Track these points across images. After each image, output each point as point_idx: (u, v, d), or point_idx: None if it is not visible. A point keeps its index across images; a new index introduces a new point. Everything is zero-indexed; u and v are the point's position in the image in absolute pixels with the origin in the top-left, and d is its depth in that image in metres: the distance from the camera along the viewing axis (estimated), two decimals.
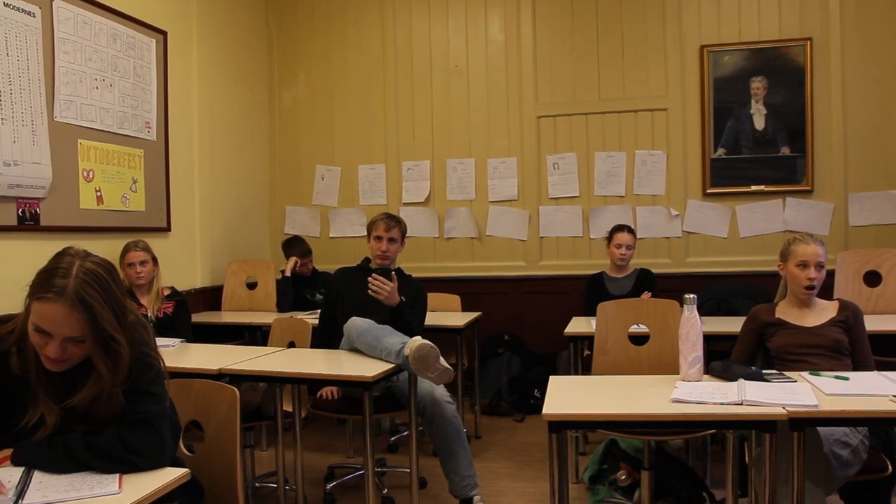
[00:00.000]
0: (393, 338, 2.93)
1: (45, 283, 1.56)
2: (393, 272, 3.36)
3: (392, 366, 2.81)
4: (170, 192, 4.69)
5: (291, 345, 3.61)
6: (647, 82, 5.21)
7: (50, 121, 3.74)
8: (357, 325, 3.11)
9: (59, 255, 1.64)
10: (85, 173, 3.98)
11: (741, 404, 1.98)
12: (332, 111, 5.85)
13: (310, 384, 3.28)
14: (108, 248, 4.02)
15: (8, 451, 1.62)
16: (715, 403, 2.00)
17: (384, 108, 5.72)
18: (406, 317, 3.42)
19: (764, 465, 2.04)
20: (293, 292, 4.87)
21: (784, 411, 1.93)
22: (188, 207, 4.91)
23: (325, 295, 3.76)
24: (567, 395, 2.35)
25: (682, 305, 2.42)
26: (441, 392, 3.25)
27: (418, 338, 2.80)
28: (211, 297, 5.08)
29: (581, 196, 5.35)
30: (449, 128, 5.59)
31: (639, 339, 3.23)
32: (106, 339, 1.56)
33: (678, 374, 2.45)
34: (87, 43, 4.01)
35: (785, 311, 2.92)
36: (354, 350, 3.15)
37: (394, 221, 3.65)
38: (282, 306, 4.82)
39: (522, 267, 5.44)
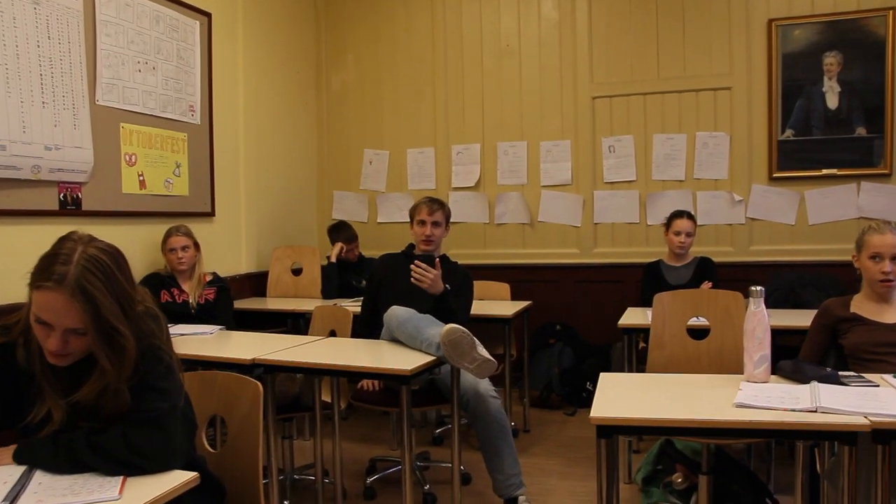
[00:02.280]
0: (434, 328, 2.78)
1: (45, 271, 1.44)
2: (437, 259, 3.20)
3: (432, 358, 2.65)
4: (214, 177, 4.61)
5: (332, 334, 3.49)
6: (710, 60, 4.92)
7: (92, 104, 3.68)
8: (397, 314, 2.97)
9: (62, 240, 1.52)
10: (127, 157, 3.92)
11: (815, 411, 1.76)
12: (380, 94, 5.71)
13: (345, 377, 3.15)
14: (150, 234, 3.98)
15: (9, 449, 1.51)
16: (785, 409, 1.78)
17: (434, 90, 5.55)
18: (450, 306, 3.26)
19: (840, 477, 1.82)
20: (338, 279, 4.76)
21: (866, 421, 1.70)
22: (233, 192, 4.84)
23: (368, 282, 3.64)
24: (618, 395, 2.15)
25: (746, 297, 2.20)
26: (485, 386, 3.08)
27: (452, 324, 2.63)
28: (256, 282, 5.01)
29: (638, 180, 5.10)
30: (500, 110, 5.39)
31: (698, 333, 3.02)
32: (109, 331, 1.44)
33: (742, 373, 2.24)
34: (130, 25, 3.94)
35: (861, 306, 2.66)
36: (395, 341, 3.01)
37: (437, 204, 3.50)
38: (327, 293, 4.71)
39: (576, 254, 5.23)
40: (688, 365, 2.95)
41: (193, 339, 3.21)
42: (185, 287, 3.84)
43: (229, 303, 3.98)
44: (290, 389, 3.22)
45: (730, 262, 4.72)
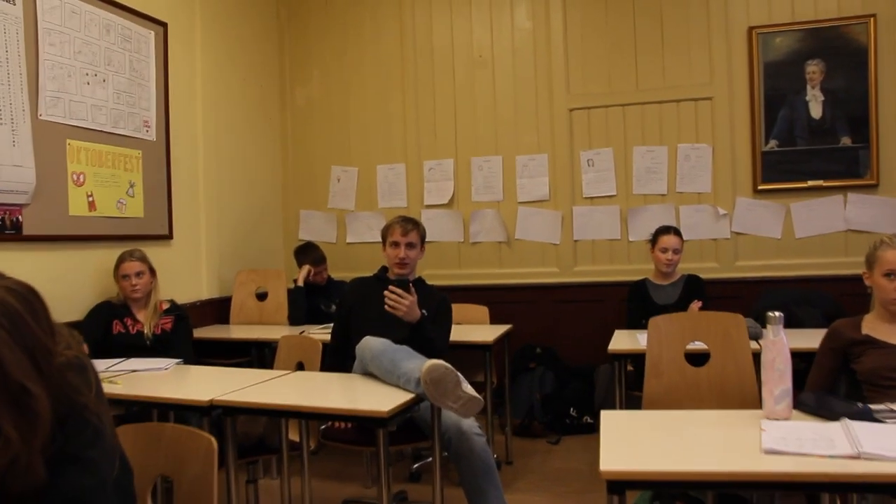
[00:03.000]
0: (412, 361, 2.52)
1: None
2: (411, 283, 2.94)
3: (412, 395, 2.39)
4: (171, 197, 4.32)
5: (300, 366, 3.22)
6: (690, 69, 4.75)
7: (34, 119, 3.39)
8: (371, 346, 2.70)
9: None
10: (75, 177, 3.62)
11: (858, 457, 1.53)
12: (347, 108, 5.46)
13: (315, 419, 2.87)
14: (102, 259, 3.68)
15: None
16: (822, 456, 1.56)
17: (403, 103, 5.32)
18: (428, 334, 3.01)
19: None
20: (306, 304, 4.49)
21: None
22: (192, 213, 4.54)
23: (338, 309, 3.37)
24: (625, 439, 1.92)
25: (749, 318, 1.99)
26: (469, 423, 2.83)
27: (433, 360, 2.38)
28: (218, 308, 4.70)
29: (618, 195, 4.90)
30: (473, 123, 5.17)
31: (696, 359, 2.80)
32: (14, 390, 1.15)
33: (751, 404, 2.02)
34: (77, 35, 3.65)
35: (874, 327, 2.45)
36: (368, 374, 2.74)
37: (411, 224, 3.25)
38: (294, 319, 4.43)
39: (555, 273, 5.00)
40: (688, 394, 2.73)
41: (147, 377, 2.91)
42: (139, 316, 3.54)
43: (188, 333, 3.69)
44: (253, 430, 2.92)
45: (715, 278, 4.53)
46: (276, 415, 2.50)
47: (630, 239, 4.87)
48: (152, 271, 3.60)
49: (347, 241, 5.43)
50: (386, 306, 2.92)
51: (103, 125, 3.80)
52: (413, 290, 2.95)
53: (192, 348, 3.69)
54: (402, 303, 2.90)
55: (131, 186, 4.00)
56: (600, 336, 4.80)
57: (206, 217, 4.64)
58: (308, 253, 4.67)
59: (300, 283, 4.53)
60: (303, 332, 4.05)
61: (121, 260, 3.56)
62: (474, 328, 4.06)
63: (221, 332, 4.30)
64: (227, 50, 4.92)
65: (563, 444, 4.44)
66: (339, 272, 4.96)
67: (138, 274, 3.51)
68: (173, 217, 4.33)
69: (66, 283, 3.55)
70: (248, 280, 4.70)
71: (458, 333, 3.65)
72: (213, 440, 1.63)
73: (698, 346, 2.78)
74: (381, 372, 2.61)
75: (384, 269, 3.37)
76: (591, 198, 4.95)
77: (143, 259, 3.58)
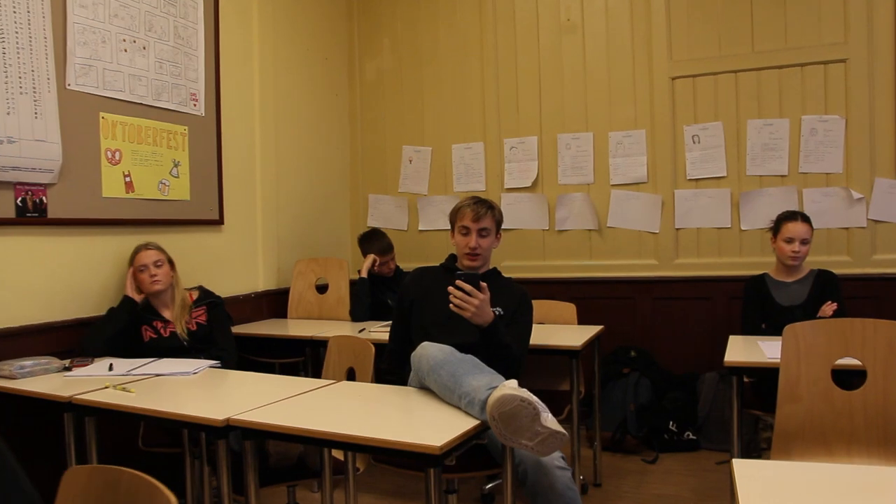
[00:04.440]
0: (478, 378, 1.98)
1: None
2: (481, 280, 2.40)
3: (475, 423, 1.86)
4: (222, 178, 3.91)
5: (350, 373, 2.74)
6: (819, 26, 4.01)
7: (60, 89, 3.02)
8: (428, 354, 2.18)
9: None
10: (109, 154, 3.24)
11: None
12: (421, 83, 4.96)
13: (347, 449, 2.37)
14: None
15: None
16: None
17: (482, 76, 4.77)
18: (502, 339, 2.47)
19: None
20: (370, 297, 4.02)
21: None
22: (247, 196, 4.13)
23: (397, 305, 2.87)
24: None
25: None
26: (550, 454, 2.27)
27: (508, 383, 1.84)
28: (276, 301, 4.29)
29: (729, 176, 4.21)
30: (561, 96, 4.58)
31: (847, 379, 2.17)
32: None
33: None
34: None
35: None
36: (427, 388, 2.22)
37: (484, 207, 2.72)
38: (356, 314, 3.97)
39: (654, 266, 4.36)
40: (836, 426, 2.11)
41: (168, 383, 2.48)
42: (166, 314, 3.13)
43: (226, 321, 3.27)
44: (291, 449, 2.46)
45: (847, 274, 3.80)
46: (303, 441, 2.02)
47: (742, 227, 4.18)
48: (171, 263, 3.18)
49: (419, 228, 4.94)
50: (451, 306, 2.40)
51: (143, 97, 3.41)
52: (484, 286, 2.41)
53: (233, 339, 3.28)
54: (470, 302, 2.37)
55: (176, 166, 3.61)
56: (705, 339, 4.20)
57: (263, 201, 4.23)
58: (373, 241, 4.20)
59: (364, 275, 4.06)
60: (363, 329, 3.59)
61: (135, 252, 3.15)
62: (559, 329, 3.49)
63: (274, 328, 3.87)
64: (289, 18, 4.48)
65: (661, 464, 3.82)
66: (410, 262, 4.45)
67: (157, 263, 3.09)
68: (224, 200, 3.92)
69: (98, 273, 3.18)
70: (308, 270, 4.27)
71: (541, 335, 3.10)
72: (172, 498, 1.14)
73: (850, 362, 2.15)
74: (440, 388, 2.09)
75: (452, 259, 2.86)
76: (697, 179, 4.28)
77: (160, 249, 3.16)
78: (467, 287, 2.36)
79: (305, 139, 4.64)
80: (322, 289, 4.25)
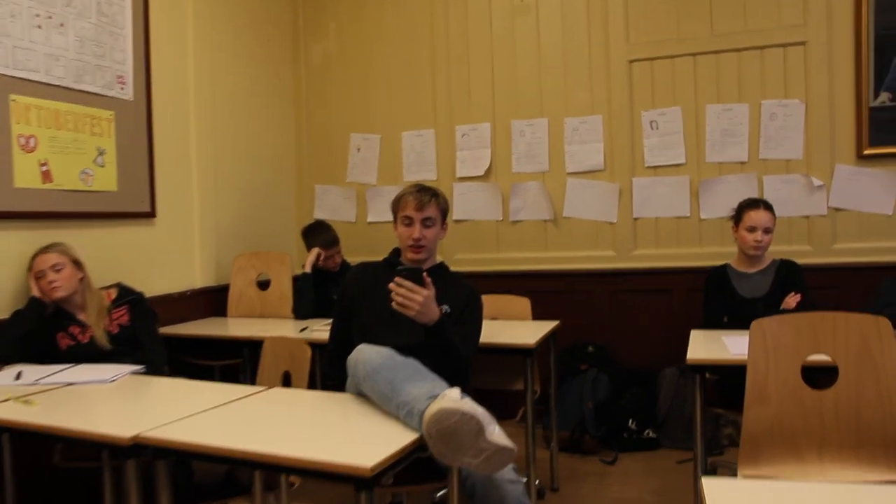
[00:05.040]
0: (419, 385, 1.78)
1: None
2: (425, 273, 2.20)
3: (414, 437, 1.66)
4: (154, 168, 3.64)
5: (287, 378, 2.52)
6: (779, 7, 3.89)
7: None
8: (365, 359, 1.97)
9: None
10: (22, 141, 2.96)
11: None
12: (369, 67, 4.73)
13: (269, 469, 2.16)
14: (62, 241, 2.99)
15: None
16: None
17: (433, 60, 4.56)
18: (449, 337, 2.28)
19: None
20: (314, 293, 3.79)
21: None
22: (182, 187, 3.87)
23: (338, 303, 2.65)
24: None
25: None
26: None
27: (449, 393, 1.64)
28: (215, 299, 4.03)
29: (688, 163, 4.08)
30: (514, 81, 4.39)
31: (816, 376, 2.03)
32: None
33: None
34: None
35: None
36: (364, 395, 2.02)
37: (428, 195, 2.52)
38: (299, 311, 3.75)
39: (611, 258, 4.21)
40: (806, 429, 1.96)
41: (79, 393, 2.24)
42: (82, 317, 2.86)
43: (150, 319, 3.01)
44: (216, 465, 2.24)
45: (808, 264, 3.64)
46: (221, 461, 1.80)
47: (702, 216, 4.04)
48: (77, 263, 2.89)
49: (368, 219, 4.72)
50: (393, 304, 2.20)
51: (61, 79, 3.13)
52: (429, 281, 2.21)
53: (160, 339, 3.03)
54: (413, 299, 2.16)
55: (100, 154, 3.33)
56: (665, 333, 4.06)
57: (200, 192, 3.97)
58: (317, 233, 3.96)
59: (307, 269, 3.83)
60: (305, 328, 3.37)
61: (32, 257, 2.85)
62: (513, 325, 3.31)
63: (211, 328, 3.63)
64: None
65: (621, 465, 3.68)
66: (359, 256, 4.21)
67: (55, 267, 2.79)
68: (156, 191, 3.66)
69: (10, 271, 2.90)
70: (248, 265, 4.03)
71: (493, 332, 2.92)
72: None
73: (821, 358, 2.00)
74: (377, 396, 1.88)
75: (396, 253, 2.65)
76: (655, 167, 4.13)
77: (63, 251, 2.86)
78: (408, 284, 2.16)
79: (246, 126, 4.38)
80: (264, 285, 4.01)
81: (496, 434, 1.58)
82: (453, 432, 1.55)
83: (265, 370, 2.62)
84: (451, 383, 2.06)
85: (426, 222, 2.50)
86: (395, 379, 1.84)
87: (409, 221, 2.51)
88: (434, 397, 1.67)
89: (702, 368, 2.48)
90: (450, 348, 2.29)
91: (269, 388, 2.26)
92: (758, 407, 1.98)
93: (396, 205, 2.57)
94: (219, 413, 1.94)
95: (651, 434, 3.86)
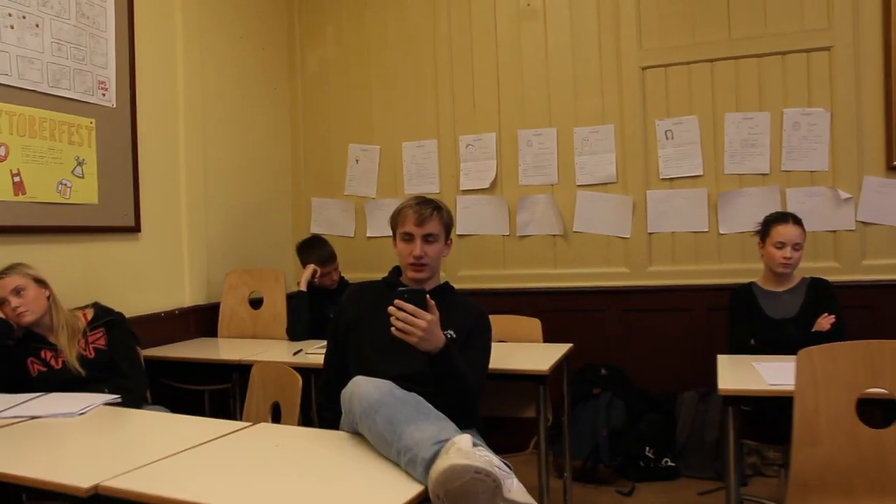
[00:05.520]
0: (423, 427, 1.55)
1: None
2: (428, 296, 1.97)
3: (419, 489, 1.42)
4: (139, 179, 3.42)
5: (276, 409, 2.29)
6: (801, 10, 3.67)
7: None
8: (361, 394, 1.74)
9: None
10: None
11: None
12: (368, 75, 4.51)
13: None
14: (36, 259, 2.76)
15: None
16: None
17: (435, 67, 4.34)
18: (456, 367, 2.04)
19: None
20: (309, 312, 3.55)
21: None
22: (170, 200, 3.65)
23: (332, 328, 2.42)
24: None
25: None
26: None
27: (459, 442, 1.41)
28: (206, 318, 3.81)
29: (706, 175, 3.85)
30: (521, 89, 4.17)
31: (874, 412, 1.80)
32: None
33: None
34: None
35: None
36: (360, 434, 1.78)
37: (429, 208, 2.30)
38: (293, 332, 3.51)
39: (625, 275, 3.98)
40: (863, 472, 1.73)
41: (40, 430, 2.00)
42: (53, 339, 2.63)
43: (130, 343, 2.79)
44: None
45: (836, 281, 3.40)
46: None
47: (721, 231, 3.81)
48: (41, 282, 2.65)
49: (368, 234, 4.49)
50: (393, 329, 1.96)
51: (36, 83, 2.92)
52: (432, 304, 1.98)
53: (141, 363, 2.81)
54: (415, 324, 1.93)
55: (80, 164, 3.11)
56: (683, 355, 3.82)
57: (189, 205, 3.74)
58: (313, 249, 3.73)
59: (302, 287, 3.60)
60: (299, 350, 3.14)
61: None
62: (523, 349, 3.07)
63: (199, 350, 3.39)
64: (219, 3, 4.01)
65: (639, 496, 3.43)
66: (358, 273, 4.02)
67: (17, 291, 2.56)
68: (141, 204, 3.43)
69: None
70: (240, 283, 3.80)
71: (502, 357, 2.68)
72: None
73: (878, 392, 1.77)
74: (375, 439, 1.65)
75: (396, 272, 2.42)
76: (671, 179, 3.90)
77: (23, 272, 2.62)
78: (409, 307, 1.92)
79: (240, 136, 4.16)
80: (256, 304, 3.78)
81: (515, 490, 1.34)
82: (465, 493, 1.32)
83: (252, 401, 2.39)
84: (459, 417, 1.84)
85: (428, 238, 2.28)
86: (396, 419, 1.60)
87: (409, 238, 2.29)
88: (441, 443, 1.44)
89: (736, 400, 2.24)
90: (456, 378, 2.06)
91: (255, 423, 2.02)
92: (808, 449, 1.75)
93: (395, 219, 2.35)
94: (194, 456, 1.70)
95: (669, 462, 3.61)
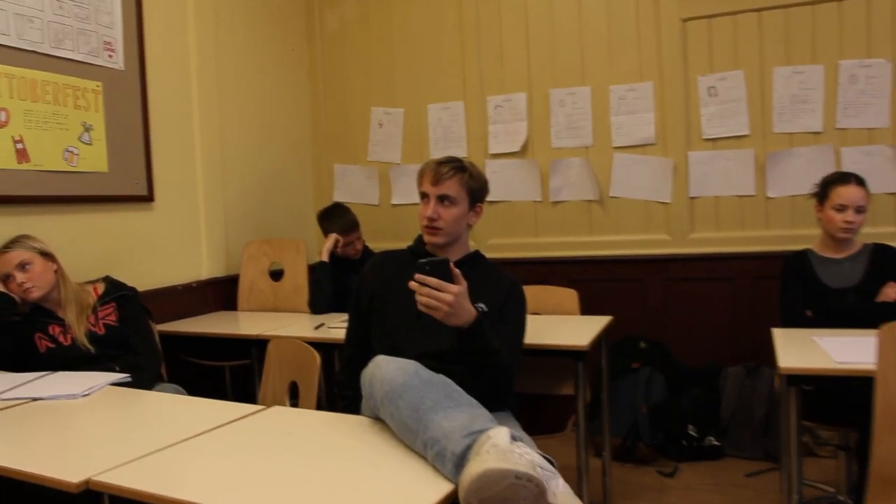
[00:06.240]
0: (452, 415, 1.36)
1: None
2: (451, 264, 1.77)
3: (449, 488, 1.24)
4: (150, 145, 3.25)
5: (293, 389, 2.12)
6: None
7: None
8: (383, 376, 1.55)
9: None
10: None
11: None
12: (391, 33, 4.28)
13: None
14: (43, 230, 2.62)
15: None
16: None
17: (461, 23, 4.10)
18: (488, 343, 1.85)
19: None
20: (332, 284, 3.38)
21: None
22: (184, 167, 3.48)
23: (354, 301, 2.24)
24: None
25: None
26: None
27: (495, 436, 1.22)
28: (225, 290, 3.66)
29: (752, 135, 3.58)
30: (552, 45, 3.92)
31: None
32: None
33: None
34: None
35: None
36: (382, 420, 1.59)
37: (449, 168, 2.11)
38: (315, 304, 3.35)
39: (665, 242, 3.74)
40: None
41: (38, 413, 1.84)
42: (62, 314, 2.49)
43: (143, 319, 2.66)
44: None
45: None
46: None
47: (769, 195, 3.56)
48: (47, 255, 2.51)
49: (392, 202, 4.30)
50: (418, 305, 1.77)
51: (37, 44, 2.74)
52: (458, 273, 1.78)
53: (154, 340, 2.66)
54: (440, 298, 1.74)
55: (87, 130, 2.94)
56: (727, 327, 3.60)
57: (205, 172, 3.57)
58: (335, 217, 3.55)
59: (324, 258, 3.42)
60: (321, 324, 2.97)
61: None
62: (559, 322, 2.87)
63: (216, 324, 3.24)
64: None
65: (682, 477, 3.24)
66: (382, 242, 3.82)
67: (22, 266, 2.43)
68: (154, 172, 3.27)
69: None
70: (259, 253, 3.63)
71: (538, 332, 2.48)
72: None
73: None
74: (399, 427, 1.46)
75: (421, 240, 2.22)
76: (714, 139, 3.65)
77: (28, 245, 2.48)
78: (431, 280, 1.73)
79: (256, 100, 3.97)
80: (277, 275, 3.62)
81: (560, 492, 1.15)
82: (503, 501, 1.12)
83: (269, 380, 2.22)
84: (492, 398, 1.67)
85: (443, 200, 2.08)
86: (422, 405, 1.41)
87: (425, 198, 2.11)
88: (473, 435, 1.25)
89: (798, 380, 2.02)
90: (489, 355, 1.87)
91: (269, 406, 1.85)
92: (891, 436, 1.53)
93: (418, 179, 2.16)
94: (198, 445, 1.53)
95: (714, 441, 3.40)
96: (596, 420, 3.24)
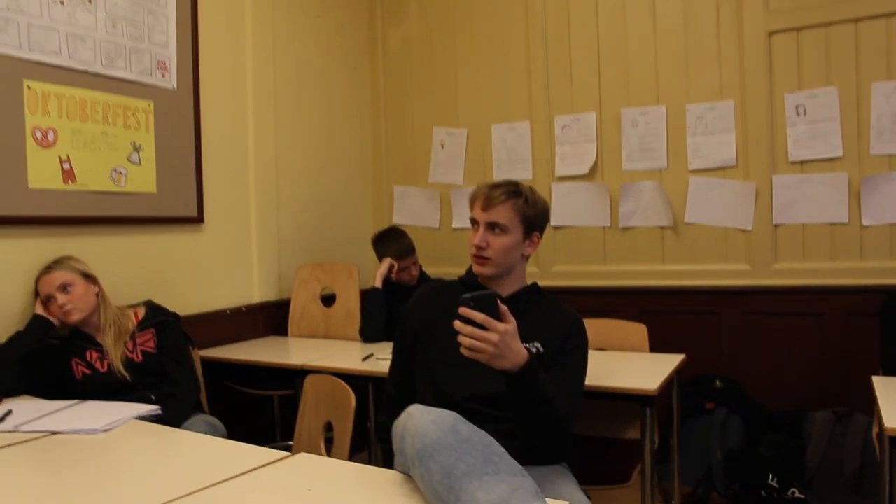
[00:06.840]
0: (489, 484, 1.17)
1: None
2: (499, 300, 1.58)
3: None
4: (202, 166, 3.17)
5: (329, 431, 1.96)
6: None
7: None
8: (416, 430, 1.36)
9: None
10: (38, 134, 2.52)
11: None
12: (454, 53, 4.13)
13: None
14: (90, 251, 2.57)
15: None
16: None
17: (528, 41, 3.91)
18: (542, 389, 1.64)
19: None
20: (385, 311, 3.22)
21: None
22: (237, 189, 3.39)
23: (398, 336, 2.07)
24: None
25: None
26: None
27: None
28: (276, 315, 3.55)
29: (846, 157, 3.27)
30: (624, 62, 3.70)
31: None
32: None
33: None
34: None
35: None
36: (410, 476, 1.40)
37: (501, 192, 1.94)
38: (367, 332, 3.20)
39: (745, 273, 3.45)
40: None
41: (53, 450, 1.72)
42: (101, 340, 2.40)
43: (182, 347, 2.55)
44: None
45: None
46: None
47: (864, 223, 3.23)
48: (89, 278, 2.44)
49: (453, 225, 4.12)
50: (461, 348, 1.58)
51: (88, 63, 2.68)
52: (505, 310, 1.59)
53: (193, 369, 2.55)
54: (486, 338, 1.55)
55: (136, 150, 2.87)
56: (814, 367, 3.27)
57: (259, 195, 3.48)
58: (389, 241, 3.40)
59: (378, 284, 3.27)
60: (369, 355, 2.81)
61: (36, 279, 2.43)
62: (626, 360, 2.63)
63: (263, 351, 3.11)
64: None
65: None
66: (442, 267, 3.69)
67: (63, 287, 2.37)
68: (205, 193, 3.18)
69: (23, 286, 2.46)
70: (311, 278, 3.51)
71: (601, 371, 2.26)
72: None
73: None
74: (429, 491, 1.27)
75: (472, 271, 2.03)
76: (802, 162, 3.35)
77: (71, 266, 2.42)
78: (477, 315, 1.54)
79: (315, 120, 3.87)
80: (328, 300, 3.48)
81: None
82: None
83: (304, 419, 2.07)
84: (546, 451, 1.47)
85: (493, 228, 1.90)
86: (455, 470, 1.22)
87: (475, 224, 1.93)
88: None
89: None
90: (541, 403, 1.66)
91: (300, 450, 1.68)
92: None
93: (470, 204, 1.98)
94: (211, 497, 1.37)
95: (798, 494, 3.07)
96: (665, 464, 2.97)
